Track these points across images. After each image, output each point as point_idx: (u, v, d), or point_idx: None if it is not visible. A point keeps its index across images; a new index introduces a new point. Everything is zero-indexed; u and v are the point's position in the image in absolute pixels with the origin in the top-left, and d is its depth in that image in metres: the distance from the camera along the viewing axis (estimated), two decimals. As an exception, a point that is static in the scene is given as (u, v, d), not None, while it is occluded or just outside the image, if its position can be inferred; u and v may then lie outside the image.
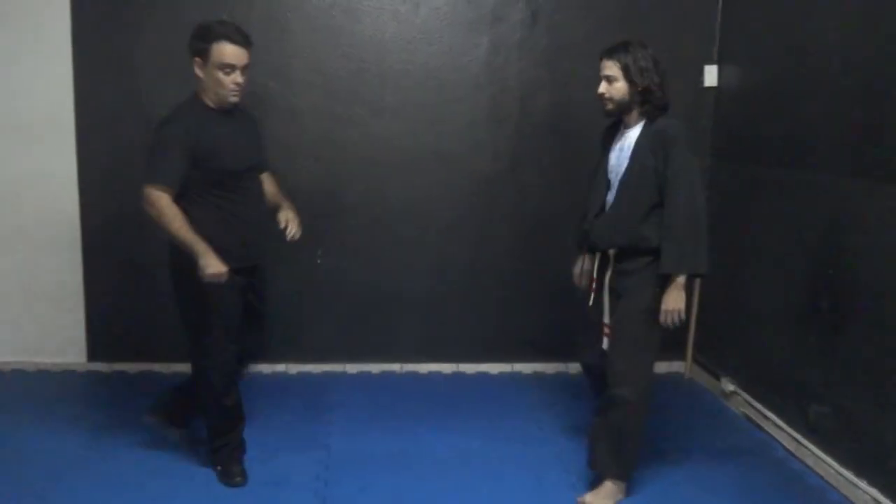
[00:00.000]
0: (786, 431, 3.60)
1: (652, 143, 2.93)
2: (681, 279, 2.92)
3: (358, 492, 3.18)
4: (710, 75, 4.35)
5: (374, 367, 4.51)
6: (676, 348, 4.56)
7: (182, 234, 2.82)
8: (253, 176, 3.15)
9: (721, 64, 4.33)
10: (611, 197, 3.09)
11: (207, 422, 3.27)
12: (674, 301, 2.93)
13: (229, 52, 2.85)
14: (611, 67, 2.97)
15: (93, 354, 4.42)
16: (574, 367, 4.54)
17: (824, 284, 3.34)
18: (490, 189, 4.39)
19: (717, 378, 4.23)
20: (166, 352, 4.38)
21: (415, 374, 4.51)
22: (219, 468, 3.25)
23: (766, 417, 3.77)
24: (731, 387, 4.08)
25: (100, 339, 4.41)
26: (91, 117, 4.20)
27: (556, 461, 3.47)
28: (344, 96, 4.27)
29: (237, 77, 2.90)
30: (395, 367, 4.53)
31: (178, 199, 2.88)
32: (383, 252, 4.38)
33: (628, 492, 3.19)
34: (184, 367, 4.36)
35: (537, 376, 4.52)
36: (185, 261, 2.86)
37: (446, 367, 4.54)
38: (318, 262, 4.38)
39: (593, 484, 3.19)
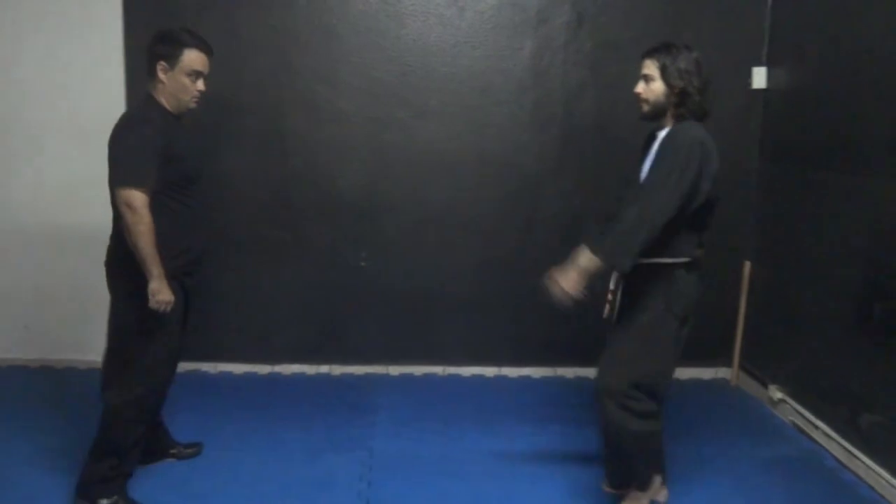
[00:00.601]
0: (836, 441, 3.52)
1: (662, 147, 2.79)
2: (588, 262, 2.73)
3: (401, 493, 3.18)
4: (759, 77, 4.28)
5: (417, 370, 4.53)
6: (723, 355, 4.51)
7: (148, 250, 2.70)
8: (201, 184, 3.10)
9: (770, 66, 4.26)
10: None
11: (108, 448, 2.96)
12: (566, 279, 2.76)
13: (199, 59, 2.88)
14: (649, 66, 2.84)
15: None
16: (618, 372, 4.52)
17: (876, 290, 3.27)
18: (534, 191, 4.38)
19: (765, 385, 4.16)
20: (213, 352, 4.48)
21: (457, 377, 4.52)
22: (115, 499, 2.95)
23: (815, 426, 3.69)
24: (779, 394, 4.00)
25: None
26: (142, 121, 4.28)
27: (600, 466, 3.43)
28: (389, 100, 4.30)
29: (201, 84, 2.92)
30: (438, 369, 4.55)
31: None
32: (427, 254, 4.40)
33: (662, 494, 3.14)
34: (230, 367, 4.46)
35: (580, 380, 4.49)
36: (135, 274, 2.75)
37: (489, 371, 4.54)
38: (363, 264, 4.41)
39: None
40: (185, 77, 2.86)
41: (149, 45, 2.88)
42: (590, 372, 4.50)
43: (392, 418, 3.90)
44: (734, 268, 4.42)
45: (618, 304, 2.96)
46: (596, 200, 4.35)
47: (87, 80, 4.24)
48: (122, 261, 2.82)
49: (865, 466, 3.30)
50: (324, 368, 4.53)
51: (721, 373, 4.55)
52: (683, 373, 4.55)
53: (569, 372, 4.54)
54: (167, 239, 2.79)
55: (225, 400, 4.09)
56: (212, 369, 4.49)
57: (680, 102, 2.80)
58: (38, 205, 4.35)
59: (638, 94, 2.89)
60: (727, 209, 4.36)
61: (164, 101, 2.89)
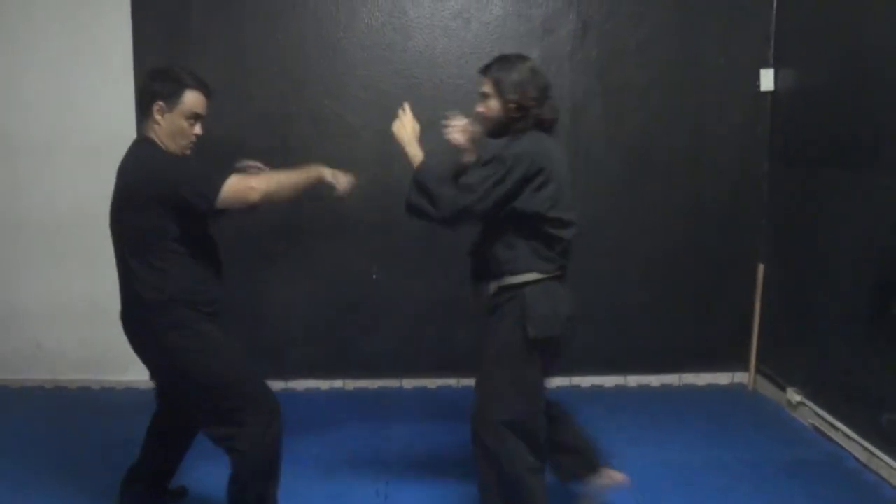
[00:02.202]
0: (857, 442, 3.48)
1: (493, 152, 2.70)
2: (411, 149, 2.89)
3: (418, 506, 3.15)
4: (767, 79, 4.27)
5: (431, 382, 4.50)
6: (739, 359, 4.47)
7: (296, 179, 2.78)
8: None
9: (777, 68, 4.25)
10: None
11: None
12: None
13: (200, 102, 2.71)
14: (485, 84, 2.76)
15: (155, 372, 4.50)
16: (633, 380, 4.50)
17: (891, 288, 3.24)
18: (544, 201, 4.36)
19: (783, 388, 4.12)
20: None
21: (471, 389, 4.45)
22: None
23: (835, 428, 3.65)
24: (797, 397, 3.97)
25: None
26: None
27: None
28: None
29: (199, 129, 2.75)
30: (452, 381, 4.52)
31: (164, 250, 2.66)
32: (439, 267, 4.38)
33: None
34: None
35: (595, 390, 4.46)
36: (172, 316, 2.65)
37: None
38: (374, 277, 4.40)
39: None
40: (184, 120, 2.68)
41: (145, 83, 2.69)
42: (606, 380, 4.50)
43: (407, 431, 3.88)
44: (748, 270, 4.39)
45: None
46: (605, 208, 4.35)
47: (96, 99, 4.28)
48: (153, 307, 2.66)
49: (888, 466, 3.26)
50: (337, 383, 4.51)
51: (738, 377, 4.51)
52: (700, 378, 4.52)
53: (584, 381, 4.50)
54: (194, 286, 2.71)
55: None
56: (225, 386, 4.47)
57: (520, 116, 2.70)
58: (48, 224, 4.37)
59: (479, 113, 2.80)
60: (739, 212, 4.38)
61: (167, 142, 2.70)
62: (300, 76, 4.26)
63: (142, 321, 2.71)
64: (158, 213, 2.60)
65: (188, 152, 2.77)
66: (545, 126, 2.75)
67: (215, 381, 2.69)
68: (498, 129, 2.77)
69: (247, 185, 2.64)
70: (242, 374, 2.77)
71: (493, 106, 2.73)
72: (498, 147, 2.69)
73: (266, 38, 4.24)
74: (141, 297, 2.67)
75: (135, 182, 2.62)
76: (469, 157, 2.86)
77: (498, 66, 2.75)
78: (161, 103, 2.65)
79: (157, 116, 2.66)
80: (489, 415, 2.72)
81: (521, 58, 2.78)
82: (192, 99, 2.68)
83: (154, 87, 2.66)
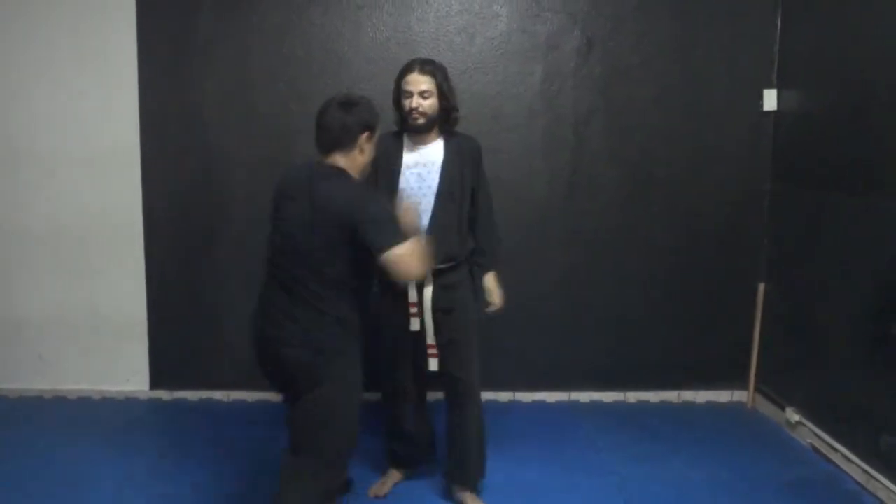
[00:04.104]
0: (856, 463, 3.48)
1: (463, 156, 3.08)
2: (492, 274, 3.27)
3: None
4: (770, 99, 4.29)
5: (432, 396, 4.49)
6: (739, 378, 4.47)
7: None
8: None
9: (781, 88, 4.27)
10: (425, 214, 3.01)
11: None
12: (501, 294, 3.29)
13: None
14: (427, 83, 2.97)
15: (155, 383, 4.50)
16: (632, 396, 4.50)
17: (892, 309, 3.25)
18: (546, 216, 4.38)
19: (782, 408, 4.12)
20: (226, 380, 4.47)
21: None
22: None
23: (834, 449, 3.65)
24: (796, 417, 3.97)
25: (162, 368, 4.49)
26: (156, 151, 4.33)
27: (616, 491, 3.41)
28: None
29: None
30: (452, 395, 4.52)
31: (344, 285, 2.59)
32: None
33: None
34: (243, 395, 4.45)
35: (594, 405, 4.46)
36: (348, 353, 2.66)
37: (503, 396, 4.51)
38: (375, 289, 4.39)
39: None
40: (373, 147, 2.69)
41: (354, 114, 2.61)
42: (605, 396, 4.50)
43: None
44: (748, 289, 4.40)
45: (428, 314, 3.07)
46: (609, 224, 4.36)
47: (100, 111, 4.30)
48: (341, 337, 2.62)
49: (886, 489, 3.25)
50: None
51: (737, 396, 4.51)
52: (699, 396, 4.52)
53: (583, 396, 4.50)
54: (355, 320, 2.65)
55: (238, 428, 4.09)
56: (225, 397, 4.48)
57: (447, 117, 3.07)
58: (51, 235, 4.38)
59: (414, 109, 3.00)
60: (740, 231, 4.40)
61: (356, 173, 2.64)
62: (305, 89, 4.27)
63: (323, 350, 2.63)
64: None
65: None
66: (453, 127, 3.17)
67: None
68: (429, 125, 3.04)
69: (406, 255, 2.47)
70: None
71: (433, 105, 3.01)
72: (473, 152, 3.20)
73: (271, 52, 4.26)
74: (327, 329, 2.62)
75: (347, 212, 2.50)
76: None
77: (435, 68, 3.06)
78: (369, 133, 2.63)
79: (366, 146, 2.64)
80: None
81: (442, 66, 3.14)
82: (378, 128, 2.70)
83: (367, 119, 2.63)
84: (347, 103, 2.65)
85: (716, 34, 4.29)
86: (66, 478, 3.49)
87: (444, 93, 2.99)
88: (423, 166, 3.06)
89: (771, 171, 4.35)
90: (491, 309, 3.28)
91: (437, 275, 3.01)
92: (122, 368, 4.49)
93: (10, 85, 4.29)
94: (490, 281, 3.27)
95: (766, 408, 4.33)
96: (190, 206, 4.36)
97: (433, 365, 3.12)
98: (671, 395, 4.51)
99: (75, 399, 4.48)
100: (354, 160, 2.63)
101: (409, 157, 3.07)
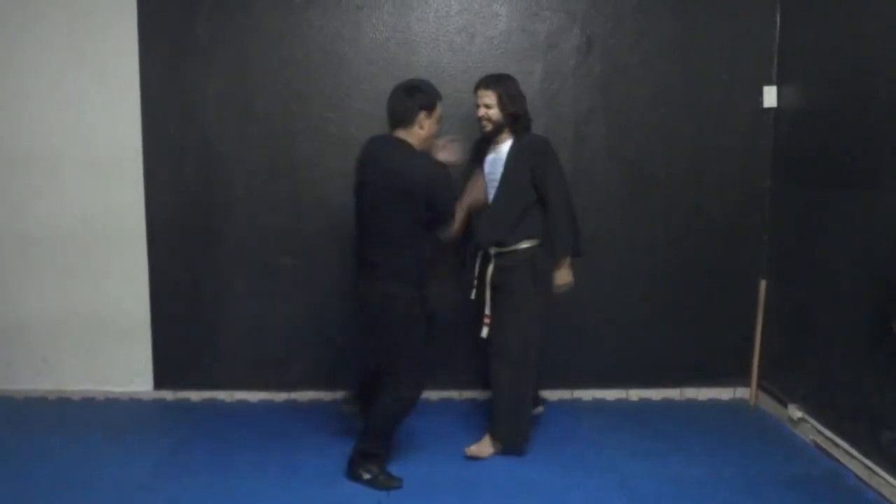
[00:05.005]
0: (858, 459, 3.48)
1: (524, 155, 3.59)
2: (567, 259, 3.64)
3: (419, 519, 3.17)
4: (770, 96, 4.29)
5: (433, 394, 4.51)
6: (741, 375, 4.48)
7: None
8: None
9: (780, 84, 4.27)
10: (491, 199, 3.67)
11: (381, 428, 3.47)
12: (564, 277, 3.67)
13: (441, 109, 3.41)
14: (489, 97, 3.58)
15: (159, 383, 4.52)
16: (634, 394, 4.51)
17: (893, 305, 3.24)
18: (547, 215, 4.38)
19: (784, 405, 4.12)
20: (229, 380, 4.49)
21: (474, 401, 4.50)
22: (374, 472, 3.43)
23: (836, 445, 3.65)
24: (798, 413, 3.97)
25: (165, 369, 4.51)
26: (158, 153, 4.34)
27: (618, 489, 3.42)
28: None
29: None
30: (454, 393, 4.54)
31: (419, 234, 3.33)
32: (440, 279, 4.39)
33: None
34: (247, 395, 4.46)
35: (597, 403, 4.47)
36: (414, 286, 3.36)
37: (505, 395, 4.51)
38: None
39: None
40: (436, 125, 3.37)
41: (414, 98, 3.29)
42: (608, 394, 4.51)
43: (408, 443, 3.88)
44: (750, 286, 4.40)
45: (488, 288, 3.72)
46: (608, 222, 4.37)
47: (102, 113, 4.31)
48: (410, 273, 3.35)
49: (888, 484, 3.25)
50: (340, 395, 4.52)
51: (739, 393, 4.52)
52: (701, 393, 4.52)
53: (585, 395, 4.51)
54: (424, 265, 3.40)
55: (242, 428, 4.10)
56: (227, 398, 4.50)
57: (514, 121, 3.61)
58: (53, 237, 4.40)
59: (481, 118, 3.65)
60: (741, 228, 4.40)
61: (421, 145, 3.34)
62: (304, 90, 4.29)
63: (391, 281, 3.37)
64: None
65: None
66: (526, 129, 3.69)
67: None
68: (497, 130, 3.63)
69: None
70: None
71: (495, 114, 3.59)
72: (531, 150, 3.63)
73: (271, 53, 4.28)
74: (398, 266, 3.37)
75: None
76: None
77: (497, 82, 3.61)
78: (425, 112, 3.31)
79: (424, 122, 3.32)
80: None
81: (511, 77, 3.68)
82: (440, 107, 3.39)
83: (422, 100, 3.31)
84: (409, 88, 3.34)
85: (715, 32, 4.30)
86: (70, 478, 3.50)
87: (506, 103, 3.56)
88: (493, 163, 3.67)
89: (771, 168, 4.35)
90: (557, 291, 3.69)
91: (496, 257, 3.66)
92: (126, 369, 4.51)
93: (11, 87, 4.30)
94: (556, 266, 3.65)
95: (769, 405, 4.33)
96: (192, 207, 4.37)
97: (484, 332, 3.73)
98: (673, 393, 4.52)
99: (79, 400, 4.49)
100: (416, 134, 3.32)
101: (489, 155, 3.71)
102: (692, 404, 4.48)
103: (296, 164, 4.34)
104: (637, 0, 4.28)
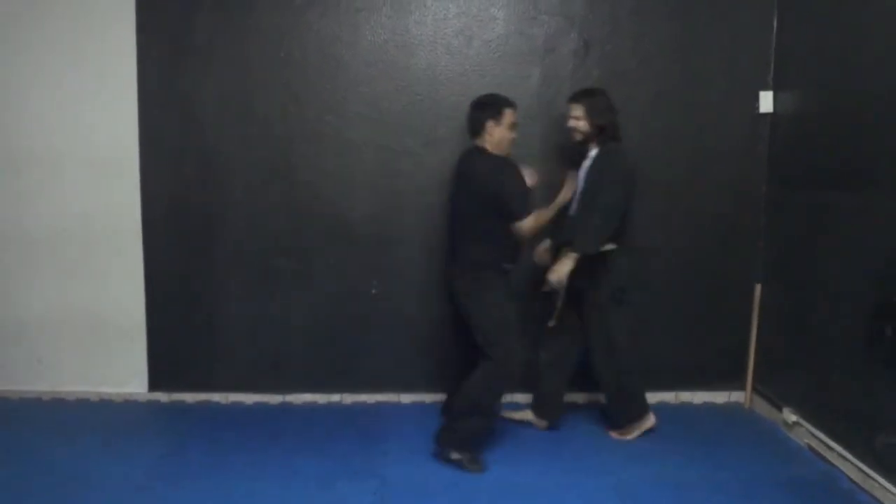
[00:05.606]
0: (852, 462, 3.50)
1: (596, 166, 3.83)
2: (574, 257, 3.73)
3: (414, 521, 3.17)
4: (766, 101, 4.31)
5: (428, 398, 4.51)
6: (736, 378, 4.49)
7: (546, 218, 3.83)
8: None
9: (776, 90, 4.29)
10: (574, 204, 3.95)
11: (480, 409, 3.65)
12: (561, 271, 3.75)
13: (514, 115, 3.74)
14: (577, 109, 3.87)
15: (154, 385, 4.51)
16: (630, 398, 4.51)
17: (887, 309, 3.26)
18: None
19: (779, 408, 4.14)
20: (224, 382, 4.49)
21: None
22: (466, 454, 3.63)
23: (830, 448, 3.67)
24: (793, 417, 3.98)
25: (161, 370, 4.50)
26: (155, 153, 4.34)
27: (613, 492, 3.42)
28: (398, 129, 4.34)
29: (514, 134, 3.78)
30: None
31: (495, 227, 3.67)
32: (437, 282, 4.40)
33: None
34: (242, 397, 4.45)
35: (592, 405, 4.48)
36: (494, 280, 3.72)
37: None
38: (373, 292, 4.43)
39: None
40: (508, 131, 3.73)
41: (481, 111, 3.71)
42: (603, 397, 4.49)
43: (404, 446, 3.89)
44: (745, 290, 4.42)
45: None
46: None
47: (100, 113, 4.31)
48: (489, 261, 3.72)
49: (882, 487, 3.27)
50: (335, 397, 4.53)
51: (734, 396, 4.53)
52: (696, 397, 4.54)
53: (580, 398, 4.52)
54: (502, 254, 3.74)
55: (237, 430, 4.09)
56: (223, 400, 4.49)
57: (601, 132, 3.86)
58: (50, 237, 4.39)
59: (572, 129, 3.93)
60: (736, 232, 4.42)
61: (495, 150, 3.72)
62: (302, 92, 4.29)
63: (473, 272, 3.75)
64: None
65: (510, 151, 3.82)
66: (615, 139, 3.91)
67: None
68: (586, 140, 3.91)
69: (529, 227, 3.67)
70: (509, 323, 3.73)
71: (584, 126, 3.87)
72: (603, 159, 3.87)
73: (269, 55, 4.28)
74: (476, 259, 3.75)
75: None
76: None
77: (586, 96, 3.90)
78: (493, 120, 3.70)
79: (493, 129, 3.70)
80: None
81: (602, 91, 3.95)
82: (510, 113, 3.73)
83: (489, 109, 3.71)
84: (478, 102, 3.77)
85: (712, 37, 4.32)
86: (65, 479, 3.49)
87: (593, 116, 3.83)
88: (582, 170, 3.92)
89: (767, 172, 4.37)
90: (549, 280, 3.82)
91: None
92: (121, 370, 4.50)
93: (10, 87, 4.30)
94: (560, 257, 3.82)
95: (763, 408, 4.34)
96: (188, 209, 4.37)
97: (551, 322, 3.95)
98: (668, 396, 4.53)
99: (74, 401, 4.48)
100: (488, 141, 3.72)
101: (584, 161, 3.93)
102: (687, 407, 4.49)
103: (293, 166, 4.34)
104: (634, 5, 4.30)
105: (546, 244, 4.08)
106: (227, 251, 4.41)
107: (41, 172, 4.34)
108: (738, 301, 4.44)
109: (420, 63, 4.30)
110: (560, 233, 3.95)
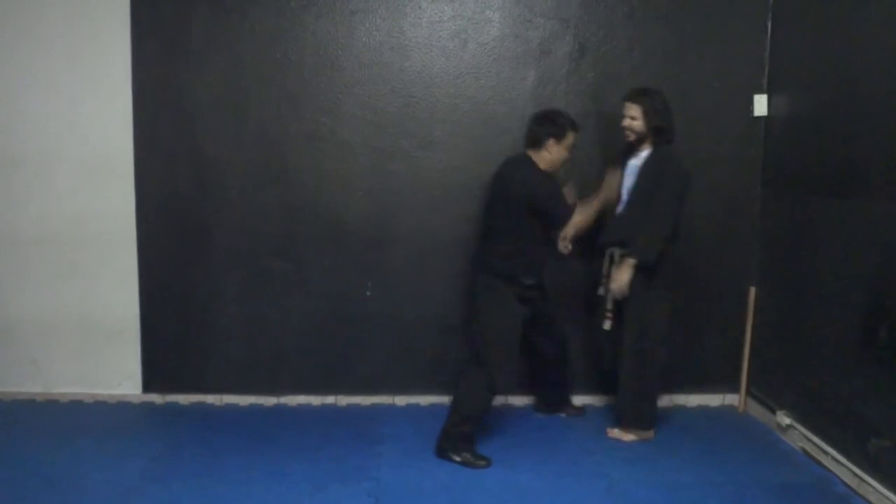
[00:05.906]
0: (846, 466, 3.50)
1: (651, 167, 3.80)
2: (633, 263, 3.75)
3: (408, 524, 3.17)
4: (760, 105, 4.32)
5: (423, 399, 4.51)
6: (730, 381, 4.50)
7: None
8: None
9: (771, 93, 4.30)
10: (621, 205, 3.94)
11: (470, 413, 3.73)
12: (623, 277, 3.79)
13: (576, 138, 3.81)
14: (633, 109, 3.81)
15: (147, 386, 4.50)
16: (625, 400, 4.50)
17: (882, 314, 3.27)
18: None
19: (773, 411, 4.14)
20: (218, 384, 4.48)
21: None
22: (464, 454, 3.69)
23: (824, 452, 3.67)
24: (787, 420, 3.99)
25: (155, 372, 4.49)
26: (149, 155, 4.33)
27: (607, 494, 3.42)
28: (393, 130, 4.34)
29: (570, 155, 3.84)
30: (444, 399, 4.50)
31: (525, 238, 3.76)
32: (432, 284, 4.41)
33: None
34: (236, 398, 4.45)
35: (586, 408, 4.47)
36: (506, 289, 3.74)
37: (496, 399, 4.50)
38: (368, 294, 4.42)
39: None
40: (566, 151, 3.78)
41: (543, 126, 3.75)
42: (597, 399, 4.51)
43: (398, 449, 3.88)
44: (739, 293, 4.42)
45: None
46: (599, 228, 4.37)
47: (94, 115, 4.30)
48: (506, 267, 3.75)
49: (876, 491, 3.27)
50: (329, 399, 4.52)
51: (728, 399, 4.53)
52: (690, 400, 4.54)
53: (576, 400, 4.50)
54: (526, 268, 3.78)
55: (231, 432, 4.08)
56: (217, 401, 4.48)
57: (656, 133, 3.82)
58: (43, 238, 4.38)
59: (625, 127, 3.88)
60: (731, 235, 4.42)
61: (546, 166, 3.76)
62: (297, 94, 4.29)
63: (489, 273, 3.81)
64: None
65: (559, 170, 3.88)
66: (668, 141, 3.88)
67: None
68: (639, 140, 3.87)
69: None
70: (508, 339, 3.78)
71: (639, 125, 3.81)
72: (658, 162, 3.85)
73: (264, 56, 4.27)
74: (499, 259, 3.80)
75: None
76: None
77: (643, 95, 3.82)
78: (555, 139, 3.73)
79: (554, 148, 3.75)
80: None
81: (657, 91, 3.86)
82: (572, 136, 3.77)
83: (552, 129, 3.73)
84: (543, 117, 3.79)
85: (707, 40, 4.33)
86: (58, 481, 3.48)
87: (650, 116, 3.77)
88: (632, 169, 3.89)
89: (761, 175, 4.37)
90: (613, 287, 3.88)
91: (620, 257, 3.86)
92: (115, 372, 4.49)
93: (3, 88, 4.29)
94: (622, 264, 3.83)
95: (757, 411, 4.35)
96: (182, 210, 4.36)
97: (607, 325, 3.94)
98: (663, 400, 4.51)
99: (68, 402, 4.47)
100: (543, 157, 3.76)
101: (632, 160, 3.91)
102: (681, 410, 4.49)
103: (288, 167, 4.34)
104: (629, 8, 4.30)
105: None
106: (222, 252, 4.40)
107: (35, 173, 4.33)
108: (733, 304, 4.44)
109: (415, 65, 4.30)
110: (608, 233, 3.97)
